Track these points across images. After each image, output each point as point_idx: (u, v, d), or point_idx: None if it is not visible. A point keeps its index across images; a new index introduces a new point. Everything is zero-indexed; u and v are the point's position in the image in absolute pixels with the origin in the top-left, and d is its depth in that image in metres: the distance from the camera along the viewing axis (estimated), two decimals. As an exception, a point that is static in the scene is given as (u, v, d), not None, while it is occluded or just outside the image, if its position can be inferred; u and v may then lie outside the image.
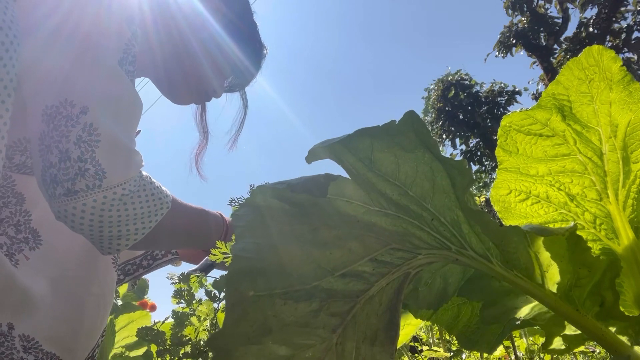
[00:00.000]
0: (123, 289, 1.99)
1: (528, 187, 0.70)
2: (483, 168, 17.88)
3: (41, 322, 0.76)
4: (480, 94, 17.80)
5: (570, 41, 14.35)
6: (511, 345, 1.11)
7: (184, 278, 0.91)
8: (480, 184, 17.79)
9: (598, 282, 0.53)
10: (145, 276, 1.23)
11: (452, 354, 1.20)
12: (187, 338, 0.79)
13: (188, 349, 0.79)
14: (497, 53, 15.67)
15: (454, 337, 1.12)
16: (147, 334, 0.81)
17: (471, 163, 17.46)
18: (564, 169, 0.66)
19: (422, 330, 1.46)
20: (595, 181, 0.64)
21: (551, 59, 14.72)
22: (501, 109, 17.58)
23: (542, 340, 0.96)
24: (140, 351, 1.38)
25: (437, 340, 1.37)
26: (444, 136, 17.95)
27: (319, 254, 0.45)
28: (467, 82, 18.12)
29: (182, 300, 0.86)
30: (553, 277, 0.53)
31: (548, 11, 14.86)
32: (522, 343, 1.18)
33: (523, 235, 0.50)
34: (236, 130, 1.15)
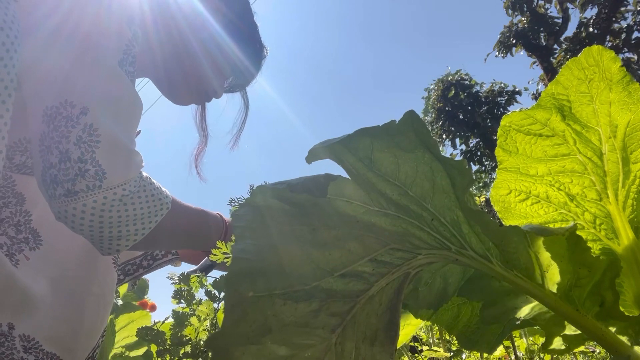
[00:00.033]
0: (123, 289, 1.99)
1: (528, 187, 0.70)
2: (483, 168, 17.88)
3: (41, 322, 0.76)
4: (480, 94, 17.80)
5: (570, 41, 14.35)
6: (511, 345, 1.11)
7: (184, 278, 0.91)
8: (480, 184, 17.79)
9: (598, 282, 0.53)
10: (145, 276, 1.23)
11: (452, 354, 1.20)
12: (187, 338, 0.79)
13: (188, 349, 0.79)
14: (497, 53, 15.67)
15: (454, 337, 1.12)
16: (147, 334, 0.81)
17: (471, 163, 17.45)
18: (563, 169, 0.66)
19: (422, 330, 1.46)
20: (595, 181, 0.64)
21: (551, 59, 14.72)
22: (501, 109, 17.58)
23: (542, 340, 0.96)
24: (140, 351, 1.38)
25: (437, 340, 1.37)
26: (444, 136, 17.95)
27: (319, 254, 0.45)
28: (467, 82, 18.11)
29: (182, 301, 0.86)
30: (553, 277, 0.53)
31: (548, 11, 14.86)
32: (522, 343, 1.18)
33: (523, 235, 0.50)
34: (237, 130, 1.15)
